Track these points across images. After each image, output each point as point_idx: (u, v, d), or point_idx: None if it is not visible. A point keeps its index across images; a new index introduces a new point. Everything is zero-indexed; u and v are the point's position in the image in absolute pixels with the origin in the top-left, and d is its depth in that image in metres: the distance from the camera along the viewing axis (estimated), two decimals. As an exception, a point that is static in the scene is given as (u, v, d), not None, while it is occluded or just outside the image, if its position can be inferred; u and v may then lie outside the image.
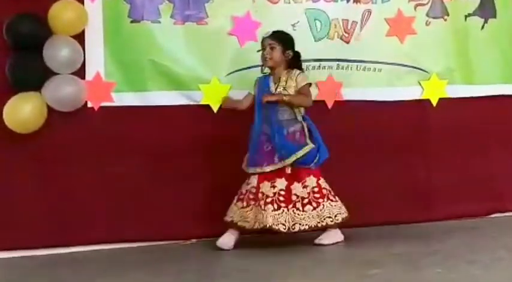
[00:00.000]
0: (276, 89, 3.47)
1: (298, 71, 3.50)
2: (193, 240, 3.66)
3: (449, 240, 3.49)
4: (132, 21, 3.63)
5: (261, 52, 3.50)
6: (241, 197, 3.43)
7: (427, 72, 3.99)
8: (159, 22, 3.66)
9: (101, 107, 3.60)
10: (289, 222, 3.35)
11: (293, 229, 3.34)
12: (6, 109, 3.41)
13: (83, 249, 3.54)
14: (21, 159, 3.50)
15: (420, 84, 4.00)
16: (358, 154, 3.87)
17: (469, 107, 4.04)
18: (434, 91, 4.01)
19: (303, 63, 3.69)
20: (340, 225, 3.46)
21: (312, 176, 3.43)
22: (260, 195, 3.36)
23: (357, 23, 3.90)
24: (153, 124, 3.66)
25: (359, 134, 3.87)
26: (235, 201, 3.45)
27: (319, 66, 3.84)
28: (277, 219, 3.32)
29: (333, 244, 3.43)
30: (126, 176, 3.61)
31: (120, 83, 3.62)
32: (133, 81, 3.64)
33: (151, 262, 3.28)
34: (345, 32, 3.89)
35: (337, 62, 3.87)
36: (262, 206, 3.34)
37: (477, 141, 4.08)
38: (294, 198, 3.39)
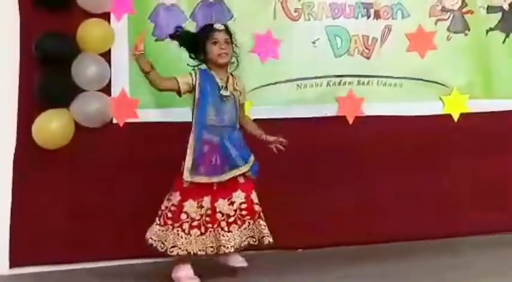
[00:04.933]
0: (225, 89, 3.13)
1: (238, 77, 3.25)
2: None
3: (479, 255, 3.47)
4: (156, 40, 3.73)
5: (209, 47, 3.14)
6: (195, 223, 3.04)
7: (447, 87, 4.00)
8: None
9: (126, 123, 3.70)
10: (257, 234, 3.08)
11: (263, 242, 3.06)
12: (35, 125, 3.52)
13: (111, 264, 3.61)
14: (50, 174, 3.59)
15: (441, 99, 4.01)
16: (380, 169, 3.88)
17: (490, 121, 4.03)
18: (456, 106, 4.00)
19: (323, 79, 3.73)
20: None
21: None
22: (219, 215, 3.06)
23: (377, 39, 3.93)
24: (177, 140, 3.72)
25: (380, 150, 3.88)
26: (186, 230, 3.03)
27: (340, 82, 3.88)
28: (244, 235, 3.09)
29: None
30: (152, 191, 3.66)
31: (144, 100, 3.72)
32: (158, 98, 3.72)
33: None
34: (366, 48, 3.93)
35: (358, 78, 3.90)
36: (226, 228, 3.05)
37: (500, 156, 4.06)
38: (256, 208, 3.11)
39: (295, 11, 3.87)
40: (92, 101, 3.61)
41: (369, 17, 3.93)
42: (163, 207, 3.13)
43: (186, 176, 3.06)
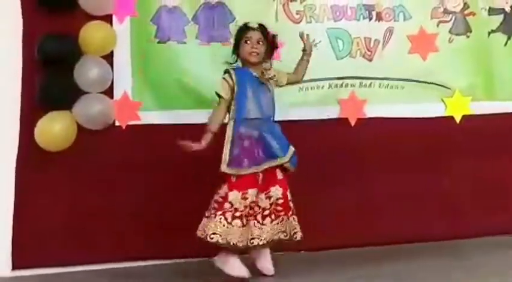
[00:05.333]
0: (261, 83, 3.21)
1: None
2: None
3: (481, 257, 3.47)
4: (158, 42, 3.74)
5: (242, 46, 3.21)
6: (238, 214, 3.09)
7: (450, 89, 4.01)
8: (185, 43, 3.75)
9: (128, 125, 3.70)
10: (289, 230, 3.18)
11: (295, 238, 3.16)
12: (37, 128, 3.52)
13: (114, 266, 3.60)
14: (52, 176, 3.59)
15: (443, 101, 4.01)
16: (382, 171, 3.89)
17: (493, 123, 4.03)
18: (458, 108, 4.01)
19: (325, 81, 3.75)
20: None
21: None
22: (257, 209, 3.13)
23: (379, 41, 3.94)
24: (179, 141, 3.74)
25: (382, 151, 3.89)
26: (229, 219, 3.08)
27: (342, 84, 3.89)
28: (276, 229, 3.16)
29: None
30: (153, 193, 3.68)
31: (146, 102, 3.72)
32: (160, 100, 3.73)
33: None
34: (368, 50, 3.93)
35: (360, 80, 3.90)
36: (261, 221, 3.13)
37: (502, 158, 4.06)
38: (291, 205, 3.21)
39: (297, 14, 3.87)
40: (94, 103, 3.61)
41: (370, 19, 3.93)
42: (212, 201, 3.18)
43: (223, 168, 3.13)
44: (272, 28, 3.77)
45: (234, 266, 3.11)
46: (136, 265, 3.63)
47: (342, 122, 3.88)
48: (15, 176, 3.58)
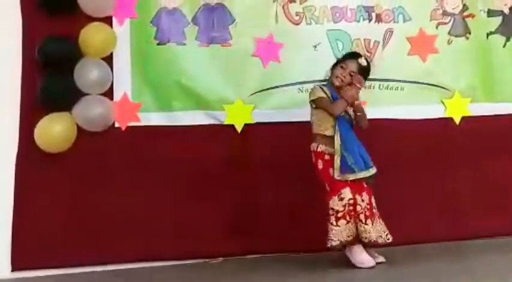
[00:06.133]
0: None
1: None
2: (221, 259, 3.68)
3: (481, 258, 3.46)
4: (158, 44, 3.74)
5: (337, 68, 3.42)
6: (340, 215, 3.31)
7: (449, 90, 4.01)
8: (185, 44, 3.76)
9: (128, 127, 3.70)
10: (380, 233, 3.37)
11: (388, 240, 3.38)
12: (37, 129, 3.53)
13: (115, 268, 3.60)
14: (52, 177, 3.59)
15: (443, 102, 4.02)
16: (381, 172, 3.85)
17: (492, 124, 4.03)
18: (457, 109, 4.02)
19: (325, 83, 3.76)
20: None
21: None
22: (358, 208, 3.33)
23: (379, 42, 3.95)
24: (179, 143, 3.73)
25: (382, 152, 3.87)
26: (334, 223, 3.30)
27: (342, 85, 3.90)
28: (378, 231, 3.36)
29: None
30: (153, 194, 3.68)
31: (146, 103, 3.73)
32: (160, 102, 3.74)
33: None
34: (367, 52, 3.93)
35: (360, 81, 3.92)
36: (364, 220, 3.32)
37: (501, 158, 4.06)
38: (374, 211, 3.41)
39: (297, 15, 3.88)
40: (94, 105, 3.62)
41: (370, 20, 3.94)
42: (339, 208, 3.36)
43: (337, 174, 3.34)
44: (272, 30, 3.83)
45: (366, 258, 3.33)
46: (136, 266, 3.62)
47: (342, 123, 3.88)
48: (15, 177, 3.58)
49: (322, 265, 3.41)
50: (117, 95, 3.71)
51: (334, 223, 3.29)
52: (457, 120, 4.03)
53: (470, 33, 4.06)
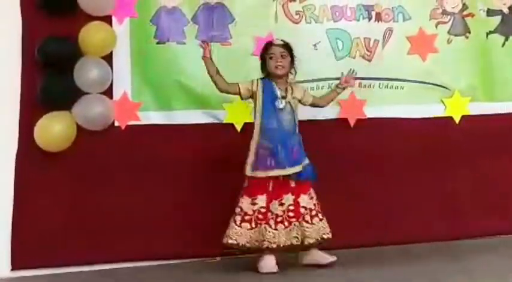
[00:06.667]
0: (282, 99, 3.38)
1: (304, 87, 3.55)
2: (218, 258, 3.68)
3: (479, 258, 3.46)
4: (158, 43, 3.74)
5: (269, 61, 3.40)
6: (247, 218, 3.34)
7: (449, 89, 4.02)
8: (184, 43, 3.76)
9: (128, 126, 3.70)
10: (300, 235, 3.35)
11: (307, 242, 3.34)
12: (37, 128, 3.52)
13: (115, 266, 3.59)
14: (51, 176, 3.59)
15: (442, 101, 4.02)
16: (381, 171, 3.89)
17: (491, 124, 4.04)
18: (457, 108, 4.02)
19: (325, 82, 3.76)
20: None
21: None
22: (269, 214, 3.33)
23: (378, 41, 3.95)
24: (178, 141, 3.74)
25: (382, 152, 3.90)
26: (238, 222, 3.34)
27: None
28: (289, 235, 3.33)
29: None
30: (153, 193, 3.68)
31: (146, 103, 3.72)
32: (159, 101, 3.74)
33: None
34: (367, 51, 3.94)
35: (360, 80, 3.90)
36: (273, 226, 3.32)
37: (501, 158, 4.06)
38: (302, 211, 3.36)
39: (297, 14, 3.88)
40: (94, 104, 3.62)
41: (370, 19, 3.94)
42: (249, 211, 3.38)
43: (248, 171, 3.36)
44: (271, 29, 3.83)
45: (267, 264, 3.33)
46: (136, 265, 3.62)
47: (341, 122, 3.89)
48: (15, 176, 3.58)
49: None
50: (117, 94, 3.70)
51: (238, 222, 3.33)
52: (457, 120, 4.03)
53: (470, 32, 4.06)
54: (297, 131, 3.43)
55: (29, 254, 3.51)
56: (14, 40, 3.61)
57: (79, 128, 3.61)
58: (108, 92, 3.68)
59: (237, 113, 3.77)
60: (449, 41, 4.05)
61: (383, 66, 3.94)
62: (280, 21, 3.86)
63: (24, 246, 3.52)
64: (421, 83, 3.99)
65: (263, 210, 3.33)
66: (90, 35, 3.61)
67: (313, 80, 3.84)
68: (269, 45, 3.46)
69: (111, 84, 3.69)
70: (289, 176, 3.35)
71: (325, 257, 3.39)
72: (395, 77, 3.95)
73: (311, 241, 3.35)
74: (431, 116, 3.99)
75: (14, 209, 3.56)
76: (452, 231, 3.92)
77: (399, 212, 3.89)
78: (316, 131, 3.79)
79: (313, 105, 3.54)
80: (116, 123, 3.70)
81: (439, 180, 3.99)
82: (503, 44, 4.11)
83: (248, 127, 3.76)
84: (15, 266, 3.54)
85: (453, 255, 3.54)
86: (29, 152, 3.56)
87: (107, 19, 3.69)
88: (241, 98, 3.46)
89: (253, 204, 3.34)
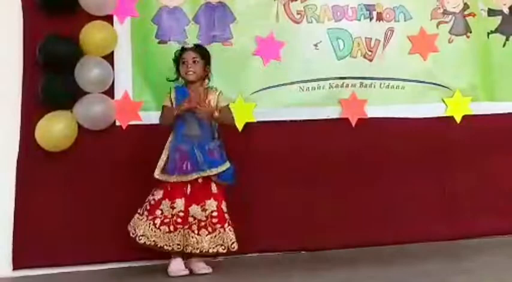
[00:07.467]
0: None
1: (219, 90, 3.45)
2: (220, 258, 3.64)
3: (479, 258, 3.46)
4: (159, 42, 3.74)
5: (181, 67, 3.41)
6: (166, 221, 3.30)
7: (450, 89, 4.02)
8: (186, 43, 3.76)
9: (129, 125, 3.70)
10: (226, 242, 3.31)
11: (232, 248, 3.31)
12: (38, 127, 3.52)
13: (115, 266, 3.60)
14: (53, 176, 3.59)
15: (444, 101, 4.02)
16: (382, 171, 3.89)
17: (492, 123, 4.04)
18: (458, 108, 4.02)
19: (326, 81, 3.75)
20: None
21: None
22: (191, 219, 3.30)
23: (380, 41, 3.95)
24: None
25: (383, 151, 3.90)
26: (157, 225, 3.30)
27: (343, 84, 3.89)
28: (214, 242, 3.30)
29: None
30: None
31: (147, 102, 3.72)
32: (161, 100, 3.71)
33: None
34: (368, 50, 3.94)
35: (361, 80, 3.91)
36: (196, 231, 3.29)
37: (502, 158, 4.06)
38: (226, 216, 3.35)
39: (298, 14, 3.88)
40: (95, 104, 3.62)
41: (371, 19, 3.94)
42: (146, 200, 3.39)
43: (156, 173, 3.37)
44: (272, 28, 3.83)
45: (176, 268, 3.34)
46: (136, 265, 3.62)
47: (342, 122, 3.89)
48: (16, 176, 3.58)
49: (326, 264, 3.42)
50: (118, 94, 3.70)
51: (158, 225, 3.31)
52: (458, 119, 4.03)
53: (471, 32, 4.06)
54: (216, 135, 3.40)
55: (30, 254, 3.51)
56: (15, 40, 3.61)
57: (80, 128, 3.60)
58: (109, 92, 3.68)
59: (238, 113, 3.74)
60: (450, 41, 4.05)
61: (384, 66, 3.94)
62: (282, 20, 3.85)
63: (26, 246, 3.52)
64: (422, 82, 3.99)
65: (181, 214, 3.30)
66: (91, 34, 3.61)
67: (314, 80, 3.84)
68: (182, 49, 3.46)
69: (112, 84, 3.68)
70: (208, 177, 3.33)
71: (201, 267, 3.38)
72: (397, 76, 3.95)
73: (235, 246, 3.31)
74: (432, 115, 3.99)
75: (15, 209, 3.56)
76: (452, 231, 3.92)
77: (399, 211, 3.89)
78: (316, 131, 3.82)
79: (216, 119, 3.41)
80: (117, 123, 3.70)
81: (440, 179, 3.99)
82: (504, 44, 4.12)
83: (250, 127, 3.77)
84: (16, 266, 3.54)
85: (453, 255, 3.54)
86: (30, 152, 3.56)
87: (108, 19, 3.68)
88: None
89: (172, 208, 3.31)
